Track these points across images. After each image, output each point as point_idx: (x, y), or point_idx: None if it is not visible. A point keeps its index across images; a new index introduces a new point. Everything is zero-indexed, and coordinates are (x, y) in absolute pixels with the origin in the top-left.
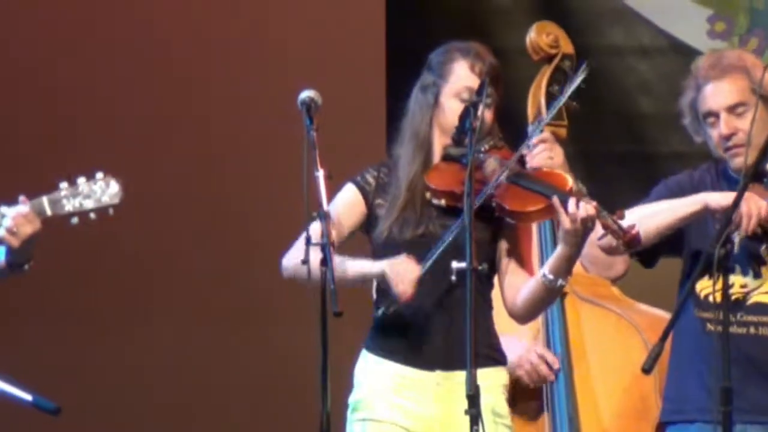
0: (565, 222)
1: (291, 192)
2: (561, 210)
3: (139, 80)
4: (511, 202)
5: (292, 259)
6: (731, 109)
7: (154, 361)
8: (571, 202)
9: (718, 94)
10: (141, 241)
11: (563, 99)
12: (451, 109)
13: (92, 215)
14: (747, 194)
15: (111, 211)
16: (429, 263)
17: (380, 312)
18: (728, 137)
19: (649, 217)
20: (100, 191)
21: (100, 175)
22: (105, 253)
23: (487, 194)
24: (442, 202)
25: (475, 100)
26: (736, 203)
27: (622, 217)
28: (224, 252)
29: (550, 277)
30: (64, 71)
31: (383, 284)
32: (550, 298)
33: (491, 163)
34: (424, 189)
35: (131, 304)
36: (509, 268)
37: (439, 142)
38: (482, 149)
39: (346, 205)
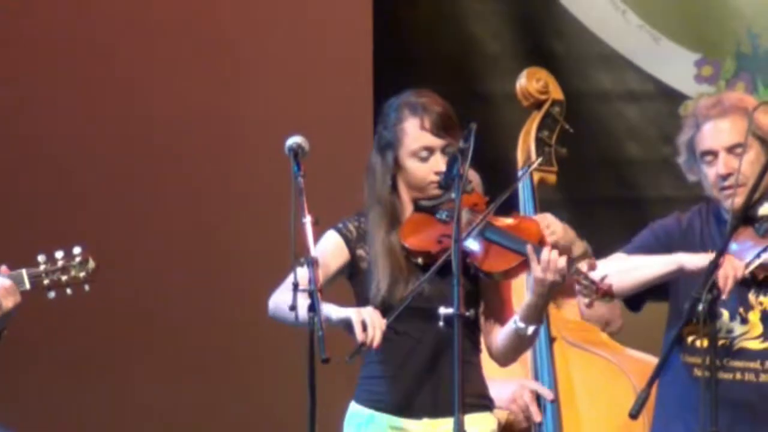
0: (536, 270)
1: (278, 238)
2: (534, 259)
3: (123, 133)
4: (484, 262)
5: (279, 302)
6: (730, 149)
7: (139, 411)
8: (545, 252)
9: (718, 133)
10: (127, 292)
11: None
12: (413, 168)
13: (69, 290)
14: (725, 256)
15: (87, 287)
16: (393, 317)
17: (347, 359)
18: (725, 177)
19: (625, 272)
20: (77, 267)
21: (77, 250)
22: (92, 304)
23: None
24: (419, 260)
25: (463, 147)
26: (715, 263)
27: (593, 267)
28: (210, 299)
29: (521, 325)
30: (40, 137)
31: (349, 331)
32: (524, 344)
33: (463, 216)
34: (401, 248)
35: (117, 354)
36: (488, 314)
37: (408, 196)
38: (452, 198)
39: (329, 250)
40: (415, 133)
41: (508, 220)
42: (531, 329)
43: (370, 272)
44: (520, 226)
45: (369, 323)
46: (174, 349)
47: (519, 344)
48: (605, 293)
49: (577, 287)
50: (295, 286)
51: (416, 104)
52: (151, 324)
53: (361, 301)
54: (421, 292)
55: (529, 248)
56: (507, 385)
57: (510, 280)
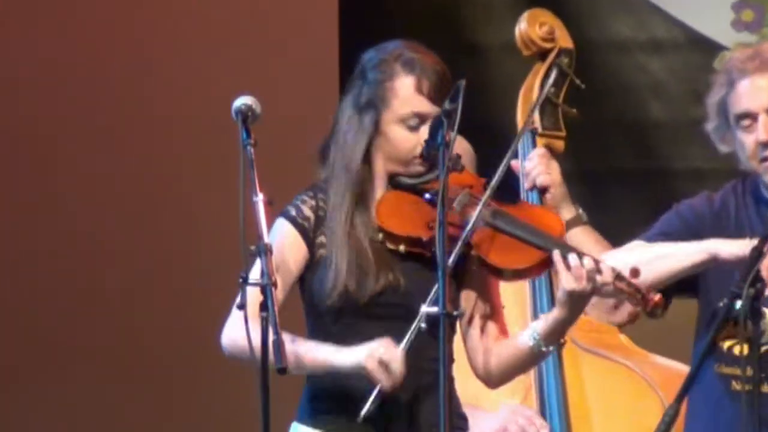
0: (569, 281)
1: (225, 221)
2: (562, 267)
3: (53, 97)
4: (494, 255)
5: (231, 335)
6: None
7: (82, 415)
8: (573, 257)
9: (757, 91)
10: (63, 284)
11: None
12: (397, 137)
13: None
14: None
15: None
16: (408, 341)
17: (363, 413)
18: (767, 144)
19: (647, 262)
20: None
21: None
22: (28, 301)
23: (464, 243)
24: (401, 248)
25: (449, 108)
26: (759, 251)
27: (637, 275)
28: (152, 293)
29: (541, 343)
30: None
31: (360, 378)
32: (534, 364)
33: (461, 199)
34: (375, 230)
35: (58, 355)
36: (478, 325)
37: (384, 169)
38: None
39: (286, 251)
40: (407, 95)
41: (521, 208)
42: (550, 348)
43: (328, 260)
44: (539, 214)
45: (388, 361)
46: (112, 349)
47: (527, 365)
48: (655, 306)
49: (619, 296)
50: (244, 280)
51: (412, 60)
52: (91, 322)
53: (313, 293)
54: (396, 287)
55: (555, 253)
56: (492, 417)
57: (521, 280)
